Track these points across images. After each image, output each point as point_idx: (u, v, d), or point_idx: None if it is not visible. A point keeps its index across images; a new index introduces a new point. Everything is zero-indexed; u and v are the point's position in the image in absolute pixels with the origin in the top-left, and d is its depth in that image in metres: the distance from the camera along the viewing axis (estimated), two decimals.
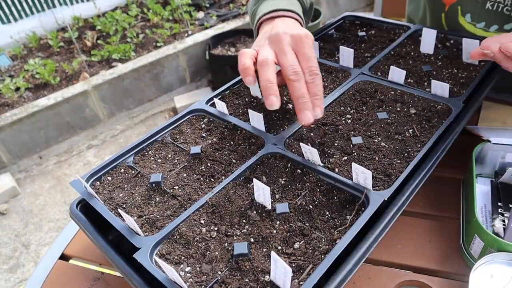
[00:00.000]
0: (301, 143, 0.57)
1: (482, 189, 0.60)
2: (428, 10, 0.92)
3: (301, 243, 0.47)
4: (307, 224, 0.49)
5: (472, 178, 0.57)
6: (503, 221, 0.55)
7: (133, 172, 0.61)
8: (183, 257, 0.47)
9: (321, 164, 0.56)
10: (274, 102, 0.57)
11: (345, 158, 0.58)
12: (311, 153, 0.56)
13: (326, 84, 0.75)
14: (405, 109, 0.66)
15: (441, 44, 0.81)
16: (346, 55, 0.76)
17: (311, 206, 0.52)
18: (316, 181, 0.55)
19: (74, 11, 3.13)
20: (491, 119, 0.77)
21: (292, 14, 0.71)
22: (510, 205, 0.56)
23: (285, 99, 0.72)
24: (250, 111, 0.64)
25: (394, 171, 0.55)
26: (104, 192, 0.58)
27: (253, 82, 0.60)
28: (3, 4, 2.83)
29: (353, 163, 0.51)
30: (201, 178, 0.58)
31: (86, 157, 2.51)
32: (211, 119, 0.70)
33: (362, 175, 0.51)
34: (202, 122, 0.70)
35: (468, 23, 0.83)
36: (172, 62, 2.76)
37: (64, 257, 0.66)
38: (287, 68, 0.58)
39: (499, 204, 0.57)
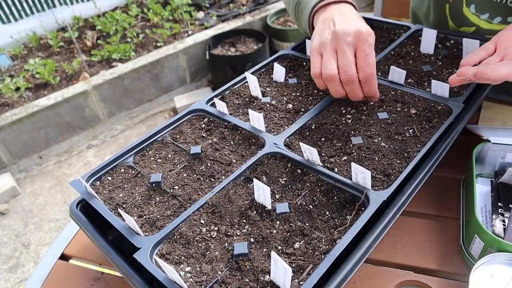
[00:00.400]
0: (301, 143, 0.57)
1: (482, 189, 0.60)
2: (433, 1, 0.92)
3: (301, 243, 0.47)
4: (307, 224, 0.49)
5: (472, 178, 0.57)
6: (503, 221, 0.55)
7: (133, 172, 0.61)
8: (183, 257, 0.47)
9: (321, 164, 0.56)
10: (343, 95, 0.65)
11: (345, 158, 0.58)
12: (311, 153, 0.56)
13: None
14: (405, 109, 0.66)
15: (441, 44, 0.81)
16: None
17: (311, 206, 0.52)
18: (316, 181, 0.55)
19: (74, 11, 3.13)
20: (491, 119, 0.77)
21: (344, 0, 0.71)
22: (510, 205, 0.56)
23: (285, 99, 0.72)
24: (250, 111, 0.64)
25: (394, 171, 0.55)
26: (104, 192, 0.58)
27: (325, 87, 0.66)
28: (3, 4, 2.83)
29: (352, 163, 0.51)
30: (201, 178, 0.58)
31: (86, 157, 2.51)
32: (211, 119, 0.70)
33: (361, 175, 0.51)
34: (202, 122, 0.70)
35: (472, 14, 0.83)
36: (172, 62, 2.76)
37: (64, 257, 0.66)
38: (341, 73, 0.62)
39: (499, 204, 0.57)
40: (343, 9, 0.69)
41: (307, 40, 0.82)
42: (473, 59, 0.62)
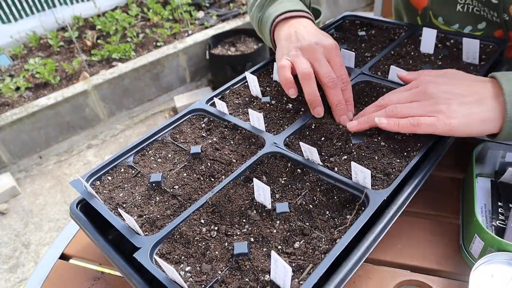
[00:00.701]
0: (301, 143, 0.57)
1: (482, 189, 0.60)
2: (405, 14, 0.93)
3: (301, 242, 0.47)
4: (307, 224, 0.49)
5: (472, 178, 0.57)
6: (503, 221, 0.55)
7: (133, 171, 0.61)
8: (183, 257, 0.47)
9: (321, 164, 0.56)
10: (320, 112, 0.64)
11: (345, 157, 0.58)
12: (311, 153, 0.56)
13: None
14: None
15: (441, 43, 0.81)
16: (347, 57, 0.76)
17: (311, 206, 0.52)
18: (316, 180, 0.55)
19: (74, 11, 3.13)
20: None
21: (304, 13, 0.73)
22: (510, 205, 0.56)
23: (285, 99, 0.72)
24: (250, 110, 0.64)
25: (394, 170, 0.55)
26: (104, 191, 0.58)
27: (295, 94, 0.65)
28: (3, 4, 2.83)
29: (352, 162, 0.51)
30: (201, 178, 0.58)
31: (86, 157, 2.51)
32: (211, 118, 0.70)
33: (361, 174, 0.51)
34: (202, 122, 0.70)
35: (442, 25, 0.84)
36: (172, 62, 2.76)
37: (64, 257, 0.66)
38: (324, 76, 0.63)
39: (499, 204, 0.57)
40: (305, 23, 0.70)
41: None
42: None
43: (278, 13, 0.73)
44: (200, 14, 3.21)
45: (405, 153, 0.57)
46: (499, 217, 0.55)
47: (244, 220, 0.51)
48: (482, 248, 0.50)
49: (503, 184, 0.60)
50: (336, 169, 0.56)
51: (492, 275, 0.46)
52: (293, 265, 0.45)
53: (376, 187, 0.52)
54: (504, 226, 0.54)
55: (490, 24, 0.78)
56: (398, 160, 0.56)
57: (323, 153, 0.59)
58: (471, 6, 0.78)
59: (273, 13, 0.74)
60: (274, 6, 0.76)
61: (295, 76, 0.65)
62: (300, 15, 0.73)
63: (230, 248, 0.48)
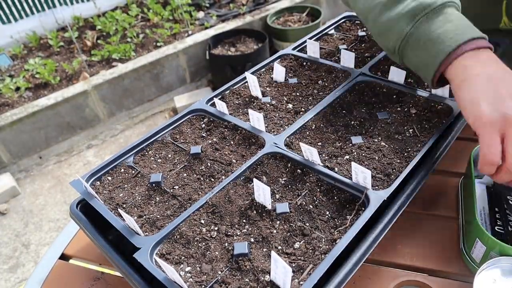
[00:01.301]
0: (301, 143, 0.57)
1: (480, 191, 0.60)
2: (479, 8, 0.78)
3: (301, 243, 0.47)
4: (307, 224, 0.49)
5: (471, 180, 0.57)
6: (501, 226, 0.54)
7: (133, 172, 0.61)
8: (183, 257, 0.47)
9: (321, 164, 0.56)
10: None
11: (345, 157, 0.58)
12: (311, 153, 0.56)
13: (326, 84, 0.75)
14: (405, 109, 0.66)
15: None
16: (347, 58, 0.76)
17: (311, 206, 0.52)
18: (316, 181, 0.55)
19: (74, 11, 3.13)
20: None
21: (486, 43, 0.52)
22: (507, 210, 0.56)
23: (285, 99, 0.72)
24: (250, 111, 0.64)
25: (394, 170, 0.55)
26: (104, 192, 0.58)
27: (492, 173, 0.48)
28: (3, 4, 2.83)
29: (352, 163, 0.51)
30: (201, 178, 0.58)
31: (86, 157, 2.51)
32: (211, 119, 0.70)
33: (361, 175, 0.51)
34: (202, 122, 0.70)
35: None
36: (172, 62, 2.76)
37: (64, 257, 0.66)
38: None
39: (496, 209, 0.57)
40: (503, 66, 0.50)
41: (308, 41, 0.82)
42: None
43: (462, 40, 0.51)
44: (200, 14, 3.21)
45: (405, 154, 0.57)
46: (497, 222, 0.55)
47: (244, 221, 0.51)
48: (484, 252, 0.50)
49: (497, 187, 0.59)
50: (336, 169, 0.56)
51: (495, 280, 0.46)
52: (293, 265, 0.45)
53: (376, 187, 0.52)
54: (502, 231, 0.53)
55: None
56: (398, 161, 0.56)
57: (323, 154, 0.59)
58: None
59: (447, 35, 0.52)
60: (443, 25, 0.53)
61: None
62: (486, 45, 0.51)
63: (230, 248, 0.48)
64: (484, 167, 0.47)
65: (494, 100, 0.46)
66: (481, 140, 0.46)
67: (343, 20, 0.96)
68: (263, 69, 0.81)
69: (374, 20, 0.60)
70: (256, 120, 0.64)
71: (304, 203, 0.52)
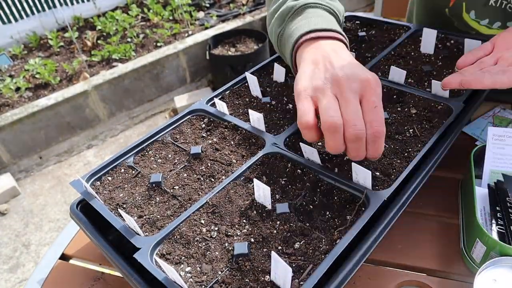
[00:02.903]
0: (301, 143, 0.56)
1: (480, 192, 0.60)
2: (428, 10, 0.92)
3: (301, 243, 0.47)
4: (307, 224, 0.49)
5: (471, 180, 0.57)
6: (502, 225, 0.54)
7: (133, 172, 0.61)
8: (183, 257, 0.47)
9: (321, 164, 0.56)
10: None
11: (345, 157, 0.58)
12: (311, 153, 0.56)
13: None
14: (406, 109, 0.66)
15: (441, 44, 0.81)
16: None
17: (311, 206, 0.52)
18: (316, 181, 0.55)
19: (74, 11, 3.13)
20: None
21: (336, 34, 0.60)
22: (510, 209, 0.56)
23: (285, 99, 0.72)
24: (250, 111, 0.64)
25: (394, 170, 0.55)
26: (104, 192, 0.58)
27: (316, 140, 0.52)
28: (4, 4, 2.83)
29: (352, 163, 0.51)
30: (201, 178, 0.58)
31: (86, 157, 2.51)
32: (211, 119, 0.70)
33: (361, 175, 0.51)
34: (202, 122, 0.70)
35: (472, 20, 0.83)
36: (172, 62, 2.76)
37: (64, 257, 0.66)
38: (348, 126, 0.48)
39: (497, 208, 0.57)
40: (337, 48, 0.57)
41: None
42: (470, 59, 0.61)
43: (303, 31, 0.59)
44: (200, 14, 3.21)
45: (406, 154, 0.57)
46: (498, 222, 0.55)
47: (244, 221, 0.51)
48: (484, 252, 0.50)
49: (498, 186, 0.60)
50: (336, 169, 0.56)
51: (495, 280, 0.46)
52: (293, 265, 0.45)
53: (377, 187, 0.52)
54: (503, 231, 0.53)
55: None
56: (399, 161, 0.56)
57: (323, 154, 0.59)
58: (505, 2, 0.77)
59: (297, 30, 0.61)
60: (299, 21, 0.62)
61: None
62: (331, 35, 0.59)
63: (230, 248, 0.48)
64: (304, 131, 0.51)
65: (310, 77, 0.53)
66: (298, 110, 0.52)
67: (343, 20, 0.96)
68: (263, 69, 0.81)
69: (269, 28, 0.72)
70: (256, 120, 0.64)
71: (304, 203, 0.52)
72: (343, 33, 0.61)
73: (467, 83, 0.53)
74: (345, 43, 0.60)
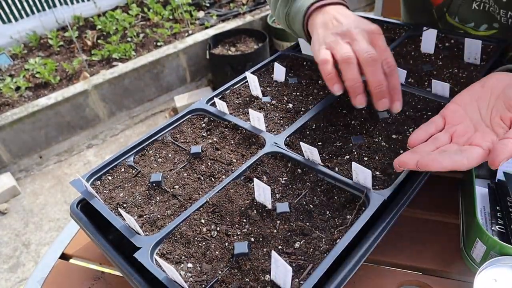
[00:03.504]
0: (301, 143, 0.57)
1: (480, 191, 0.60)
2: (417, 11, 0.91)
3: (301, 242, 0.47)
4: (308, 224, 0.49)
5: (471, 180, 0.57)
6: (502, 225, 0.54)
7: (133, 171, 0.61)
8: (183, 257, 0.47)
9: (322, 164, 0.56)
10: (362, 102, 0.58)
11: (346, 157, 0.58)
12: (311, 153, 0.56)
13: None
14: (406, 109, 0.66)
15: (441, 43, 0.81)
16: None
17: (311, 206, 0.52)
18: (316, 180, 0.55)
19: (74, 11, 3.13)
20: None
21: (339, 0, 0.68)
22: (510, 208, 0.56)
23: (286, 98, 0.72)
24: (250, 110, 0.64)
25: (394, 170, 0.55)
26: (105, 191, 0.58)
27: (340, 90, 0.59)
28: (4, 4, 2.83)
29: (353, 162, 0.51)
30: (202, 178, 0.58)
31: (87, 157, 2.51)
32: (211, 118, 0.70)
33: (362, 174, 0.51)
34: (202, 122, 0.70)
35: (457, 23, 0.82)
36: (173, 62, 2.76)
37: (64, 257, 0.66)
38: (362, 53, 0.56)
39: (497, 208, 0.57)
40: (340, 10, 0.65)
41: (300, 40, 0.81)
42: (422, 136, 0.54)
43: (311, 2, 0.67)
44: (201, 14, 3.21)
45: None
46: (498, 221, 0.55)
47: (244, 220, 0.51)
48: (484, 252, 0.50)
49: (498, 185, 0.60)
50: (336, 169, 0.56)
51: (496, 279, 0.46)
52: (294, 265, 0.45)
53: (377, 187, 0.52)
54: (503, 231, 0.53)
55: (502, 26, 0.77)
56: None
57: (323, 153, 0.59)
58: (487, 5, 0.77)
59: (302, 5, 0.68)
60: (302, 0, 0.69)
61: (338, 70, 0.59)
62: (335, 1, 0.67)
63: (230, 248, 0.48)
64: (322, 66, 0.59)
65: (323, 37, 0.62)
66: (316, 58, 0.61)
67: None
68: (263, 69, 0.81)
69: (276, 13, 0.78)
70: (256, 119, 0.64)
71: (304, 202, 0.52)
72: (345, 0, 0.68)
73: (425, 164, 0.47)
74: (347, 7, 0.68)
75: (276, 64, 0.77)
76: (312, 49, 0.63)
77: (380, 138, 0.61)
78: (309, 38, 0.70)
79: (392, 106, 0.58)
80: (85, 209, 0.57)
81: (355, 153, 0.58)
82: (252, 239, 0.48)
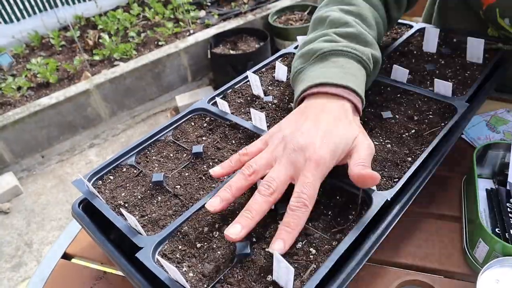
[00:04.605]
0: None
1: (482, 191, 0.60)
2: (457, 10, 0.85)
3: (303, 242, 0.47)
4: (310, 224, 0.49)
5: (473, 180, 0.56)
6: (504, 224, 0.54)
7: (135, 171, 0.61)
8: (185, 257, 0.47)
9: None
10: (214, 205, 0.47)
11: None
12: None
13: None
14: (409, 109, 0.66)
15: (444, 42, 0.81)
16: None
17: (313, 206, 0.52)
18: None
19: (76, 10, 3.14)
20: None
21: (345, 93, 0.54)
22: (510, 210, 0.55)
23: (287, 98, 0.72)
24: (252, 110, 0.63)
25: (397, 171, 0.54)
26: (106, 191, 0.58)
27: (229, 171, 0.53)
28: (6, 4, 2.84)
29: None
30: (203, 177, 0.58)
31: (88, 156, 2.52)
32: (213, 118, 0.70)
33: None
34: (204, 121, 0.70)
35: (508, 25, 0.76)
36: (174, 61, 2.76)
37: (66, 256, 0.66)
38: (263, 182, 0.48)
39: (500, 208, 0.56)
40: (333, 110, 0.53)
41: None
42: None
43: (312, 83, 0.56)
44: (202, 13, 3.21)
45: (409, 154, 0.57)
46: (497, 225, 0.54)
47: None
48: (487, 252, 0.50)
49: (496, 191, 0.59)
50: (339, 168, 0.56)
51: (498, 280, 0.46)
52: (296, 265, 0.45)
53: (380, 187, 0.52)
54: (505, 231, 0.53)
55: None
56: (402, 161, 0.56)
57: None
58: None
59: (310, 77, 0.58)
60: (321, 68, 0.58)
61: None
62: (340, 94, 0.54)
63: (232, 248, 0.47)
64: (221, 171, 0.53)
65: (279, 126, 0.54)
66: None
67: None
68: (265, 68, 0.81)
69: (295, 57, 0.67)
70: (258, 119, 0.63)
71: None
72: (357, 89, 0.55)
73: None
74: (355, 104, 0.55)
75: (277, 63, 0.77)
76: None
77: (384, 138, 0.60)
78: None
79: (273, 242, 0.44)
80: (87, 209, 0.57)
81: None
82: (254, 239, 0.48)
